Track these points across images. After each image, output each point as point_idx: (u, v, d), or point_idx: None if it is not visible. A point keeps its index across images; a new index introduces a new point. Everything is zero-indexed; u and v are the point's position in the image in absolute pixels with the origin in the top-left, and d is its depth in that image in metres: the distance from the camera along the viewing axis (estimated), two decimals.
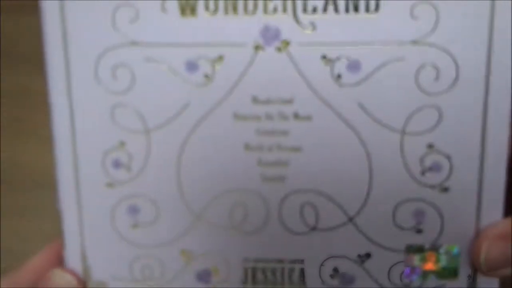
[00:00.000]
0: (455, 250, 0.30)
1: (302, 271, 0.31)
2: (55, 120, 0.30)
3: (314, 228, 0.30)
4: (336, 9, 0.28)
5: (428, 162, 0.29)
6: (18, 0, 0.56)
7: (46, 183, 0.53)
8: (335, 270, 0.30)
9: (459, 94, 0.28)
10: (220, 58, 0.28)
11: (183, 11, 0.28)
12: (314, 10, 0.28)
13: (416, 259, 0.30)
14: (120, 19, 0.28)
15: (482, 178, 0.29)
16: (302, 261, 0.31)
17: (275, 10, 0.28)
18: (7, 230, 0.54)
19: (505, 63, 0.28)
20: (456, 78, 0.28)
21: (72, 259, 0.31)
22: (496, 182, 0.29)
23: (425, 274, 0.30)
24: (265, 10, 0.28)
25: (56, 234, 0.33)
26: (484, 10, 0.27)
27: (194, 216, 0.30)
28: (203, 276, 0.31)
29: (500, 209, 0.29)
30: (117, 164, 0.30)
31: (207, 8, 0.28)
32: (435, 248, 0.30)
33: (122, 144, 0.30)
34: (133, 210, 0.30)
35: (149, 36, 0.28)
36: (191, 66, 0.29)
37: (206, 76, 0.29)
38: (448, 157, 0.29)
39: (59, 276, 0.31)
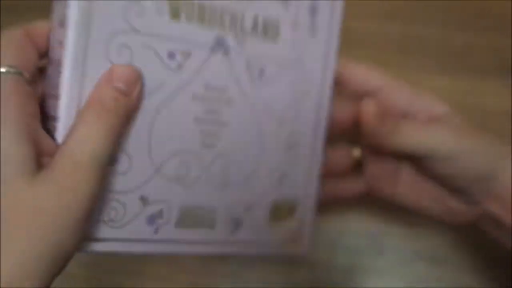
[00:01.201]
0: None
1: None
2: (65, 84, 0.35)
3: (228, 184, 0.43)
4: (260, 32, 0.43)
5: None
6: (18, 0, 0.57)
7: None
8: None
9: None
10: (189, 53, 0.40)
11: (173, 15, 0.38)
12: (248, 29, 0.42)
13: None
14: (130, 12, 0.37)
15: None
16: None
17: (225, 25, 0.41)
18: None
19: None
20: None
21: None
22: None
23: None
24: (221, 24, 0.41)
25: None
26: None
27: (154, 168, 0.39)
28: (151, 219, 0.40)
29: None
30: None
31: (186, 16, 0.39)
32: None
33: None
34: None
35: (147, 27, 0.37)
36: (171, 55, 0.39)
37: (179, 65, 0.39)
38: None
39: None
